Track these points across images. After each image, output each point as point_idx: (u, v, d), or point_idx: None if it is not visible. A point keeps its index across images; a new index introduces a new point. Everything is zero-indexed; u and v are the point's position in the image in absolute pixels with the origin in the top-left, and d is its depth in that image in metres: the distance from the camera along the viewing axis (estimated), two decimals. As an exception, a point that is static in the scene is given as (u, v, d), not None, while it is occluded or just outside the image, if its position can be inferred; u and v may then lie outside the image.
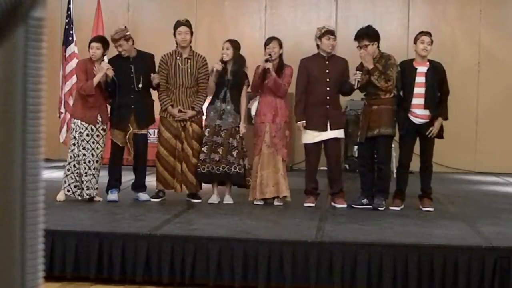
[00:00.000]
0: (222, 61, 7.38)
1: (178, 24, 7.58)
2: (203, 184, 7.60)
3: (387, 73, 7.12)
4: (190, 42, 7.64)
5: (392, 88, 7.16)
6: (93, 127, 7.29)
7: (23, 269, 0.96)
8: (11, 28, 0.92)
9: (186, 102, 7.53)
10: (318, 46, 7.50)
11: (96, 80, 7.26)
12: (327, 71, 7.41)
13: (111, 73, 7.29)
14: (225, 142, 7.39)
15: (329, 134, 7.38)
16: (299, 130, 7.61)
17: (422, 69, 7.19)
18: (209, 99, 7.68)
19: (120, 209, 6.99)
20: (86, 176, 7.27)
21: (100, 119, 7.34)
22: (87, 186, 7.28)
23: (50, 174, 9.07)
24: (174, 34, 7.58)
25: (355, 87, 7.26)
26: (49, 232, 5.45)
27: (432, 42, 7.21)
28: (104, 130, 7.39)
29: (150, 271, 5.69)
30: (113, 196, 7.44)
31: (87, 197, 7.28)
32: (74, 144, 7.31)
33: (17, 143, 0.95)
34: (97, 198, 7.40)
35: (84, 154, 7.27)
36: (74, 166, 7.28)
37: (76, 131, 7.30)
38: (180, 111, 7.49)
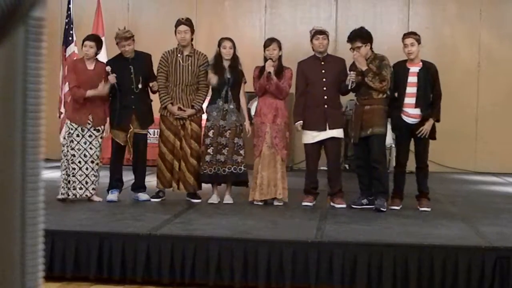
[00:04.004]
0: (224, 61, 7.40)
1: (178, 23, 7.58)
2: (203, 184, 7.60)
3: (382, 73, 7.15)
4: (192, 40, 7.64)
5: (387, 88, 7.21)
6: (83, 128, 7.30)
7: (23, 269, 0.96)
8: (11, 28, 0.92)
9: (185, 100, 7.52)
10: (312, 48, 7.57)
11: (90, 93, 7.24)
12: (323, 71, 7.47)
13: (113, 80, 7.30)
14: (230, 143, 7.41)
15: (328, 133, 7.42)
16: (298, 131, 7.66)
17: (414, 69, 7.23)
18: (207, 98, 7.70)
19: (120, 209, 6.99)
20: (74, 176, 7.27)
21: (91, 121, 7.34)
22: (74, 187, 7.29)
23: (50, 174, 9.07)
24: (175, 32, 7.59)
25: (349, 87, 7.29)
26: (49, 232, 5.45)
27: (417, 40, 7.23)
28: (97, 130, 7.39)
29: (150, 271, 5.69)
30: (112, 196, 7.44)
31: (73, 197, 7.28)
32: (64, 145, 7.37)
33: (17, 143, 0.95)
34: (96, 198, 7.40)
35: (74, 155, 7.28)
36: (64, 165, 7.33)
37: (66, 132, 7.36)
38: (179, 108, 7.49)
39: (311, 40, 7.55)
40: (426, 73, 7.21)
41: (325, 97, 7.43)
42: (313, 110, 7.42)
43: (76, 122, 7.31)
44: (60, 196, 7.28)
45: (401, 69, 7.27)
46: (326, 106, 7.42)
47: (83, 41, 7.49)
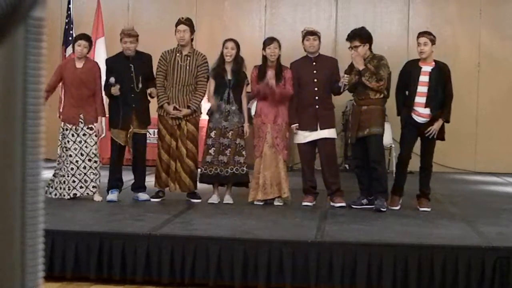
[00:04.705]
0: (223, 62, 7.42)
1: (177, 22, 7.61)
2: (203, 184, 7.60)
3: (379, 73, 7.16)
4: (192, 40, 7.63)
5: (384, 88, 7.21)
6: (77, 127, 7.32)
7: (23, 269, 0.96)
8: (11, 28, 0.91)
9: (182, 100, 7.52)
10: (304, 49, 7.60)
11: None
12: (315, 72, 7.48)
13: (117, 93, 7.34)
14: (232, 143, 7.41)
15: (320, 134, 7.44)
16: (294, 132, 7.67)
17: (426, 68, 7.22)
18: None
19: (120, 209, 6.99)
20: (72, 176, 7.30)
21: (82, 119, 7.36)
22: (71, 186, 7.32)
23: (50, 174, 9.05)
24: (175, 32, 7.59)
25: (341, 90, 7.33)
26: (49, 232, 5.45)
27: (432, 40, 7.21)
28: (91, 129, 7.40)
29: (150, 271, 5.69)
30: (112, 196, 7.43)
31: (69, 197, 7.31)
32: (59, 145, 7.43)
33: (17, 143, 0.95)
34: (97, 198, 7.41)
35: (70, 155, 7.30)
36: (57, 166, 7.43)
37: (60, 133, 7.42)
38: (175, 108, 7.49)
39: (303, 41, 7.58)
40: (438, 73, 7.19)
41: (316, 97, 7.45)
42: (304, 110, 7.44)
43: (69, 121, 7.36)
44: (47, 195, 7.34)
45: (413, 68, 7.26)
46: (317, 106, 7.44)
47: (76, 39, 7.54)
